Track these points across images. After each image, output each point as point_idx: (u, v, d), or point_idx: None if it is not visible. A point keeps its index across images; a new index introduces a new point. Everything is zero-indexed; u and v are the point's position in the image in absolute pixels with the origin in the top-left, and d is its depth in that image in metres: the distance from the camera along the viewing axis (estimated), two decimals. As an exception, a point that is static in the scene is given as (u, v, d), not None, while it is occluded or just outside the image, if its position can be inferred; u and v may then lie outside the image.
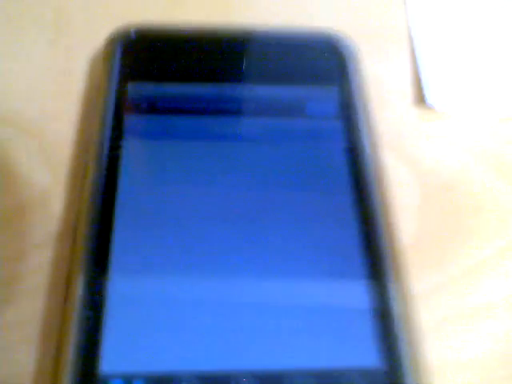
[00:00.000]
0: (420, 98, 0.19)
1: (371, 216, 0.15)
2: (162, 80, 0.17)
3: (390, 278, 0.14)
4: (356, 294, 0.14)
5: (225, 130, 0.17)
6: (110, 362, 0.13)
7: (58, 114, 0.18)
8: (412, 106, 0.19)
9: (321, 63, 0.18)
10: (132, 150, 0.16)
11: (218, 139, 0.16)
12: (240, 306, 0.14)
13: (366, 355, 0.13)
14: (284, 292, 0.14)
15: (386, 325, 0.14)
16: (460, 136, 0.18)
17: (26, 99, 0.18)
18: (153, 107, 0.17)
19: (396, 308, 0.14)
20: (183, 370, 0.13)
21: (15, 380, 0.13)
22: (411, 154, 0.18)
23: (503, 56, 0.20)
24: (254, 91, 0.17)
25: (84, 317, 0.13)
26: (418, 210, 0.17)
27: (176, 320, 0.13)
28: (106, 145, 0.16)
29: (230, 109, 0.17)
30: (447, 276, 0.16)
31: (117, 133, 0.16)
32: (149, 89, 0.17)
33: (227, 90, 0.17)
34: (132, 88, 0.17)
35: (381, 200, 0.16)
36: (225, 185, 0.16)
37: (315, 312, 0.14)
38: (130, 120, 0.16)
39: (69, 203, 0.16)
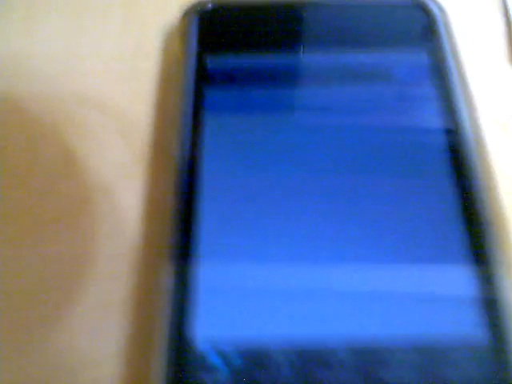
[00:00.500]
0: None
1: (476, 195, 0.14)
2: (241, 51, 0.16)
3: (498, 263, 0.13)
4: (462, 279, 0.13)
5: (310, 100, 0.16)
6: (205, 335, 0.12)
7: (134, 93, 0.17)
8: (507, 65, 0.17)
9: (408, 25, 0.17)
10: (215, 126, 0.15)
11: (304, 111, 0.16)
12: (335, 288, 0.13)
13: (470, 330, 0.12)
14: (382, 277, 0.13)
15: (493, 310, 0.13)
16: None
17: (101, 79, 0.18)
18: (233, 80, 0.16)
19: (505, 294, 0.13)
20: (279, 343, 0.12)
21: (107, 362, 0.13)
22: (508, 118, 0.17)
23: None
24: (337, 58, 0.16)
25: (176, 294, 0.13)
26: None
27: (271, 295, 0.13)
28: (188, 121, 0.15)
29: (313, 79, 0.16)
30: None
31: (198, 108, 0.15)
32: (229, 61, 0.16)
33: (310, 58, 0.16)
34: (211, 61, 0.16)
35: (485, 176, 0.14)
36: (312, 161, 0.15)
37: (419, 300, 0.13)
38: (211, 94, 0.16)
39: (151, 184, 0.16)
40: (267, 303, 0.13)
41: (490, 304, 0.13)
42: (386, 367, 0.12)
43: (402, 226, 0.14)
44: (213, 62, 0.16)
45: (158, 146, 0.16)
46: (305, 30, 0.17)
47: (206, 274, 0.13)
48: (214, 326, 0.12)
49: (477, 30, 0.18)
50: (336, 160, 0.15)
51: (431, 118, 0.15)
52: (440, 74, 0.16)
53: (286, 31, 0.17)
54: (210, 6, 0.17)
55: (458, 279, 0.13)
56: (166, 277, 0.13)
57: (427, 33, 0.16)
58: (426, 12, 0.17)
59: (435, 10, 0.17)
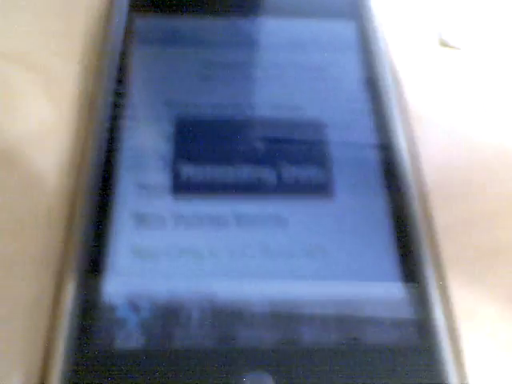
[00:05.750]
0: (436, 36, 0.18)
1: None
2: (170, 13, 0.16)
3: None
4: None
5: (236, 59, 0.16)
6: (114, 284, 0.12)
7: (62, 51, 0.17)
8: (431, 44, 0.18)
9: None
10: (141, 85, 0.15)
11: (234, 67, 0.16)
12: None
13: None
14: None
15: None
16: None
17: (30, 37, 0.17)
18: (162, 40, 0.16)
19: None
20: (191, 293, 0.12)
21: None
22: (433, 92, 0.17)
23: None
24: (265, 23, 0.16)
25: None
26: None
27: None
28: (115, 78, 0.15)
29: (241, 41, 0.16)
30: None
31: (125, 66, 0.15)
32: (158, 21, 0.16)
33: (240, 22, 0.16)
34: (140, 20, 0.16)
35: (408, 147, 0.15)
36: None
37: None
38: (139, 53, 0.15)
39: (74, 139, 0.15)
40: (180, 260, 0.13)
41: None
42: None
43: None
44: (141, 21, 0.16)
45: (85, 100, 0.16)
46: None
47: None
48: (124, 280, 0.12)
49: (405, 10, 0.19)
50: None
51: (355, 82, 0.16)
52: (365, 45, 0.16)
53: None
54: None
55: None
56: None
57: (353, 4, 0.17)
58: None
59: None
